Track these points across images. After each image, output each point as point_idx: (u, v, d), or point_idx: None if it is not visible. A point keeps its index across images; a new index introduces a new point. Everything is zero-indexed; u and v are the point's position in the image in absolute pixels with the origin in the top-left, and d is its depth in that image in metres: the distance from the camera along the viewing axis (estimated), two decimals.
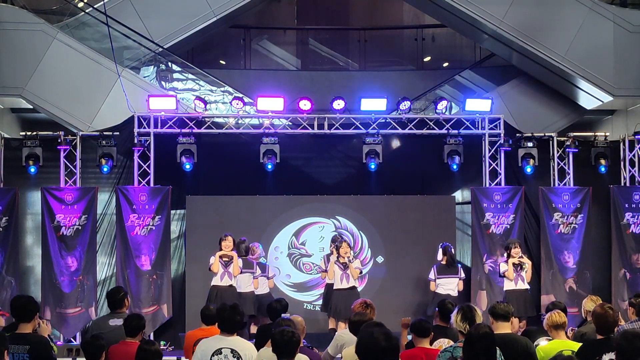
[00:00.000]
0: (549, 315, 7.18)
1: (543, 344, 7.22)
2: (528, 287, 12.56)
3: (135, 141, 13.45)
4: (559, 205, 13.75)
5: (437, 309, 7.70)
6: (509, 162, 14.00)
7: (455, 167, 13.74)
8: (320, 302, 13.50)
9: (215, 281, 12.08)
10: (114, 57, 13.17)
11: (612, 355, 5.93)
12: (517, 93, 15.26)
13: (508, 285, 12.46)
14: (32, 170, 13.30)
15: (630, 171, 14.24)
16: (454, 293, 12.42)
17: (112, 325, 7.60)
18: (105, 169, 13.28)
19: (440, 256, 12.66)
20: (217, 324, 6.91)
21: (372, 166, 13.62)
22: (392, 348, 4.33)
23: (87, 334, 8.15)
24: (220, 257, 12.06)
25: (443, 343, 7.00)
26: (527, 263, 12.46)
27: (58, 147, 13.37)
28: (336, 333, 7.87)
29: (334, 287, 12.26)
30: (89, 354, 6.58)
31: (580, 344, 6.63)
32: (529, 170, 13.81)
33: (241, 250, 12.36)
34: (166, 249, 13.36)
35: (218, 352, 6.45)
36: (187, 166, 13.36)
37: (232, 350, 6.47)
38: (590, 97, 14.55)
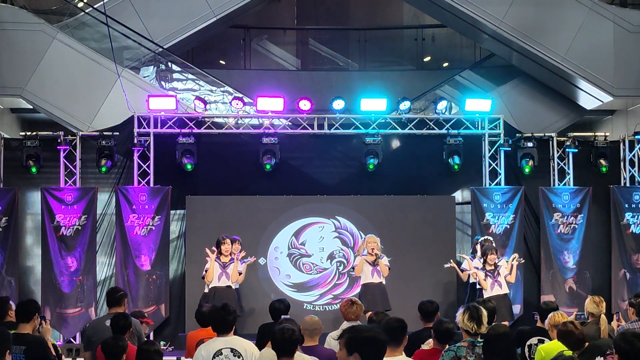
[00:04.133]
0: (552, 315, 7.17)
1: (541, 344, 7.23)
2: (507, 291, 12.06)
3: (135, 141, 13.45)
4: (559, 205, 13.75)
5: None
6: (508, 162, 14.01)
7: (455, 167, 13.74)
8: (319, 302, 13.53)
9: (213, 282, 11.97)
10: (114, 57, 13.16)
11: None
12: (517, 93, 15.27)
13: (487, 293, 11.81)
14: (33, 170, 13.29)
15: (630, 171, 14.24)
16: None
17: (109, 325, 7.61)
18: (104, 169, 13.28)
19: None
20: (211, 326, 6.91)
21: (372, 166, 13.62)
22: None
23: (84, 335, 8.18)
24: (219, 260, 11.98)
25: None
26: (502, 265, 11.96)
27: (58, 147, 13.37)
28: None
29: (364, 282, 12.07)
30: (110, 355, 6.52)
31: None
32: (527, 170, 13.81)
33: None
34: (166, 249, 13.35)
35: (219, 353, 6.46)
36: (189, 166, 13.36)
37: (232, 350, 6.48)
38: (590, 97, 14.55)
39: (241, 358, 6.48)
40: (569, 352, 6.01)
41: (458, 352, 5.96)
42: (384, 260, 11.97)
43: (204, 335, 7.63)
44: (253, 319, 12.56)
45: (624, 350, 4.97)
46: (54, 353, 6.97)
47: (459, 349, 5.98)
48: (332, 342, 7.70)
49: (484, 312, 6.18)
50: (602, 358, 6.04)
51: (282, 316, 7.87)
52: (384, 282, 12.02)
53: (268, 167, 13.50)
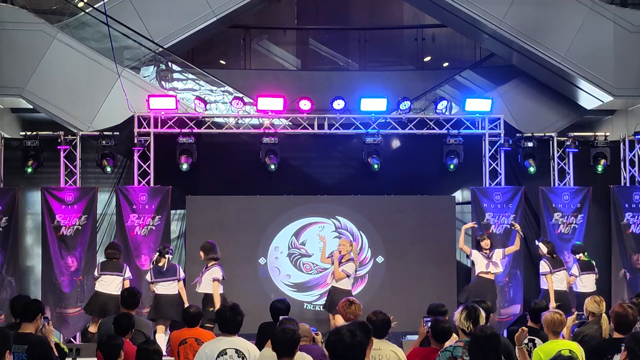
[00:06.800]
0: (551, 315, 7.17)
1: (539, 346, 7.23)
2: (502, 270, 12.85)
3: (135, 141, 13.46)
4: (559, 205, 13.75)
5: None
6: (509, 162, 14.01)
7: (454, 167, 13.74)
8: (319, 302, 13.51)
9: None
10: (114, 57, 13.15)
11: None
12: (517, 93, 15.27)
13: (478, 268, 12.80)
14: (32, 170, 13.29)
15: (630, 171, 14.24)
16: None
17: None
18: (109, 169, 13.27)
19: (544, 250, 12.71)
20: (217, 325, 6.93)
21: (377, 166, 13.60)
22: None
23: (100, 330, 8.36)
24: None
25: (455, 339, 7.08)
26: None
27: (58, 147, 13.38)
28: None
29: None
30: (106, 353, 6.58)
31: (596, 342, 6.67)
32: (532, 170, 13.78)
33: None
34: None
35: (223, 352, 6.50)
36: (184, 166, 13.33)
37: (237, 351, 6.52)
38: (590, 97, 14.56)
39: (245, 359, 6.50)
40: (566, 352, 6.02)
41: (454, 352, 5.99)
42: (344, 266, 12.05)
43: (187, 335, 7.65)
44: (253, 318, 12.52)
45: (635, 350, 5.00)
46: (56, 353, 6.98)
47: (455, 349, 6.01)
48: None
49: (482, 314, 6.19)
50: None
51: (282, 317, 7.88)
52: (344, 287, 12.01)
53: (272, 167, 13.48)
